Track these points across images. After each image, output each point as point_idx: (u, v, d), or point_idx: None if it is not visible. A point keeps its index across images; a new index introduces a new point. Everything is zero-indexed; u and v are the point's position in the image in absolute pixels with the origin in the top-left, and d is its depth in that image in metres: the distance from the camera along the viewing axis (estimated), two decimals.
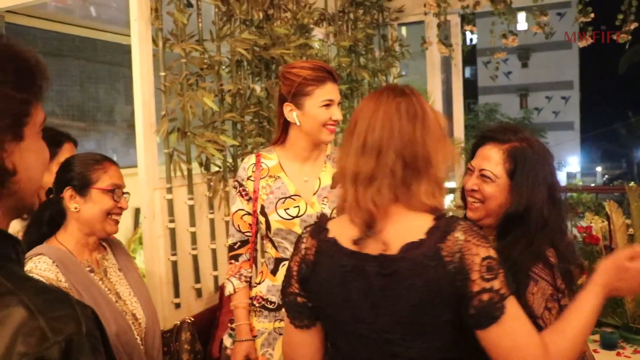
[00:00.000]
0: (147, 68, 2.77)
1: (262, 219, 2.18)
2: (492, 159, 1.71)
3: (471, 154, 1.82)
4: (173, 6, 2.87)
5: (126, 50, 2.86)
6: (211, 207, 3.11)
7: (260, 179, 2.19)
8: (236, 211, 2.23)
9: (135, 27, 2.75)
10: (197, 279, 3.02)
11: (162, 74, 2.83)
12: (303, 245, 1.46)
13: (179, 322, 2.45)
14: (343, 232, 1.39)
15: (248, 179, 2.21)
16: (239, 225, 2.24)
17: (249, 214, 2.21)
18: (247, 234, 2.24)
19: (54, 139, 2.34)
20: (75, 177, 1.87)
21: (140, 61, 2.73)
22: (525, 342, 1.28)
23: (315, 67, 2.12)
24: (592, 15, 4.41)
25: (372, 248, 1.32)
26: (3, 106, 0.84)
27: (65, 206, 1.87)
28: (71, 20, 4.26)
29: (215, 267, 3.14)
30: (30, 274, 1.56)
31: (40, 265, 1.72)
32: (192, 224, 2.98)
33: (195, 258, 3.01)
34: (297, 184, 2.20)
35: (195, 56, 2.94)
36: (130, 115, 3.01)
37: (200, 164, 3.02)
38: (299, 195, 2.17)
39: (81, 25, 4.36)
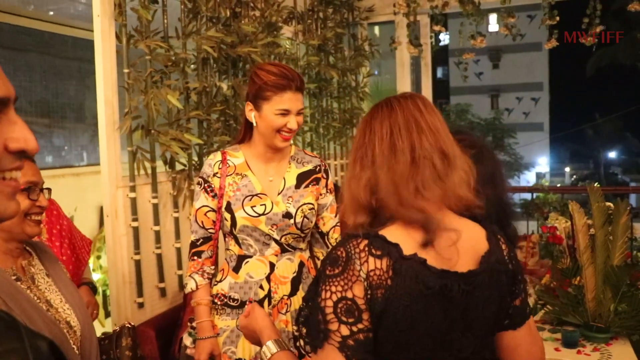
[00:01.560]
0: (110, 65, 2.73)
1: (227, 215, 2.18)
2: None
3: None
4: (137, 2, 2.83)
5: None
6: (176, 205, 3.07)
7: (227, 175, 2.19)
8: (200, 207, 2.22)
9: (98, 23, 2.71)
10: (161, 278, 2.99)
11: (126, 70, 2.79)
12: (364, 268, 1.17)
13: (117, 328, 2.30)
14: (415, 247, 1.21)
15: (214, 175, 2.20)
16: (202, 222, 2.22)
17: (213, 210, 2.21)
18: (211, 230, 2.23)
19: None
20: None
21: (102, 58, 2.69)
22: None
23: (281, 74, 2.10)
24: (558, 18, 4.48)
25: (455, 265, 1.22)
26: None
27: None
28: (38, 15, 4.19)
29: (179, 266, 3.11)
30: None
31: None
32: (156, 222, 2.95)
33: (159, 257, 2.97)
34: (263, 183, 2.20)
35: (160, 53, 2.91)
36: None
37: (165, 162, 2.99)
38: (265, 194, 2.18)
39: (48, 20, 4.29)
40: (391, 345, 1.20)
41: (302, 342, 1.24)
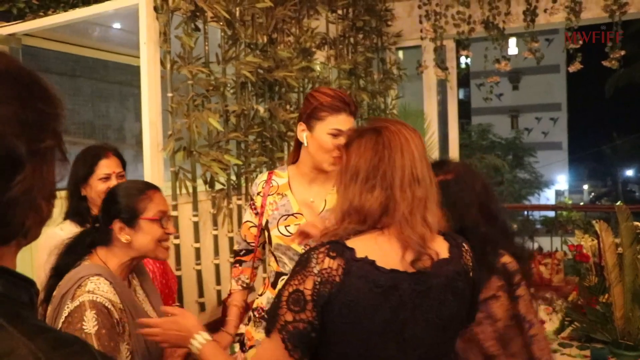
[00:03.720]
0: (155, 89, 2.75)
1: (266, 233, 2.17)
2: None
3: None
4: (181, 30, 2.85)
5: (135, 70, 2.84)
6: (215, 223, 3.06)
7: (269, 195, 2.17)
8: (245, 222, 2.24)
9: (145, 50, 2.73)
10: (201, 293, 2.97)
11: (170, 94, 2.80)
12: (318, 267, 1.26)
13: None
14: (375, 251, 1.29)
15: (258, 194, 2.19)
16: (245, 235, 2.23)
17: (255, 226, 2.20)
18: (252, 244, 2.24)
19: (89, 153, 2.27)
20: (123, 209, 1.75)
21: (148, 82, 2.71)
22: None
23: (337, 96, 2.07)
24: (581, 42, 4.41)
25: (408, 266, 1.29)
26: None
27: (115, 237, 1.76)
28: (84, 42, 4.25)
29: (218, 282, 3.09)
30: (93, 295, 1.55)
31: (102, 287, 1.61)
32: (197, 240, 2.93)
33: (199, 273, 2.96)
34: (302, 203, 2.16)
35: (201, 78, 2.92)
36: (139, 132, 2.98)
37: (205, 182, 2.99)
38: (301, 214, 2.14)
39: (93, 47, 4.35)
40: (339, 337, 1.26)
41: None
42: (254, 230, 2.20)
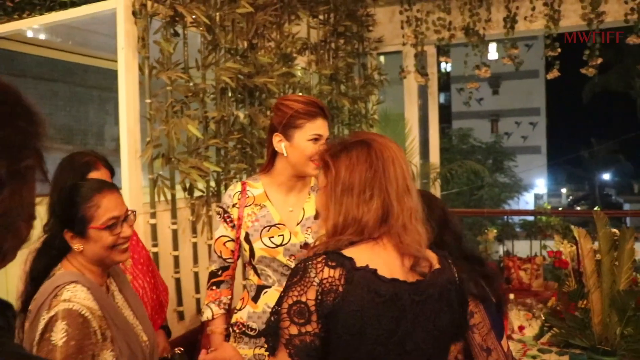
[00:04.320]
0: (133, 95, 2.71)
1: (246, 246, 2.09)
2: None
3: None
4: (160, 35, 2.81)
5: (116, 75, 2.79)
6: (194, 231, 3.03)
7: (245, 206, 2.11)
8: (219, 237, 2.14)
9: (122, 55, 2.69)
10: (180, 302, 2.93)
11: (148, 101, 2.77)
12: (319, 277, 1.24)
13: (169, 354, 2.25)
14: (374, 260, 1.29)
15: (233, 206, 2.12)
16: (221, 252, 2.14)
17: (232, 240, 2.13)
18: (229, 260, 2.15)
19: (77, 162, 2.16)
20: (70, 219, 1.67)
21: (126, 88, 2.67)
22: None
23: (309, 101, 2.06)
24: (559, 50, 4.46)
25: (406, 276, 1.31)
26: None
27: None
28: (62, 46, 4.19)
29: (197, 290, 3.05)
30: (70, 303, 1.51)
31: (79, 294, 1.55)
32: (175, 247, 2.90)
33: (178, 281, 2.92)
34: (282, 213, 2.12)
35: (180, 84, 2.88)
36: (118, 136, 2.95)
37: (184, 189, 2.95)
38: (283, 224, 2.10)
39: (71, 52, 4.29)
40: (343, 348, 1.25)
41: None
42: (231, 245, 2.13)
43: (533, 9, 4.53)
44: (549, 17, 4.49)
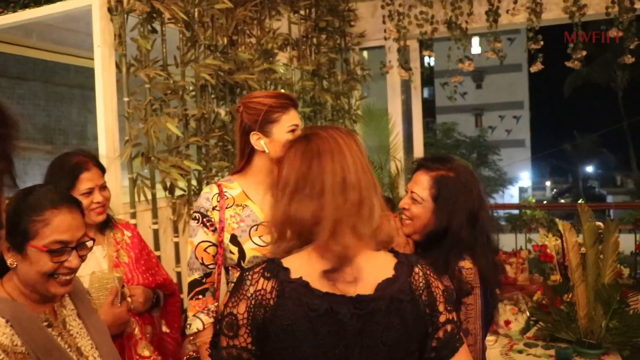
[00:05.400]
0: (111, 94, 2.66)
1: (234, 248, 2.02)
2: (421, 183, 1.86)
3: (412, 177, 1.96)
4: (137, 32, 2.76)
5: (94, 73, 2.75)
6: (176, 230, 2.99)
7: (226, 208, 2.05)
8: (199, 243, 2.04)
9: (99, 53, 2.65)
10: None
11: (126, 99, 2.72)
12: (252, 289, 1.20)
13: None
14: (310, 271, 1.22)
15: (213, 209, 2.04)
16: (202, 258, 2.04)
17: (213, 245, 2.04)
18: (211, 266, 2.06)
19: (68, 164, 2.06)
20: (10, 226, 1.40)
21: (103, 87, 2.62)
22: None
23: (279, 95, 2.07)
24: (542, 42, 4.47)
25: (346, 289, 1.21)
26: None
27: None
28: (39, 45, 4.12)
29: (180, 289, 3.01)
30: None
31: None
32: (157, 247, 2.85)
33: None
34: (266, 211, 2.08)
35: (159, 81, 2.84)
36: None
37: (165, 188, 2.90)
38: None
39: (49, 50, 4.22)
40: None
41: None
42: (212, 250, 2.05)
43: (515, 2, 4.53)
44: (531, 10, 4.49)
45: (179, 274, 3.01)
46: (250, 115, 2.02)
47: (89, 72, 2.85)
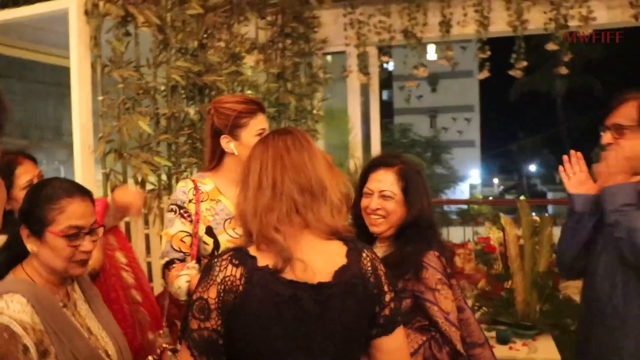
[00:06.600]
0: (86, 93, 2.66)
1: (209, 240, 2.03)
2: (388, 180, 1.85)
3: (363, 178, 1.93)
4: (112, 34, 2.76)
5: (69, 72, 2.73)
6: (146, 223, 3.00)
7: (201, 201, 2.07)
8: (176, 233, 2.03)
9: (75, 53, 2.63)
10: None
11: (100, 98, 2.72)
12: (222, 274, 1.23)
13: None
14: (274, 261, 1.25)
15: (190, 201, 2.05)
16: (179, 247, 2.03)
17: (189, 235, 2.04)
18: (186, 253, 2.04)
19: (3, 170, 1.95)
20: (30, 215, 1.47)
21: (78, 86, 2.62)
22: (406, 340, 1.40)
23: (247, 100, 2.08)
24: (489, 52, 4.61)
25: (308, 277, 1.24)
26: None
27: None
28: (16, 43, 4.03)
29: (150, 280, 3.02)
30: (2, 315, 1.32)
31: (13, 306, 1.34)
32: (128, 239, 2.85)
33: None
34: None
35: (132, 81, 2.84)
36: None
37: (136, 183, 2.90)
38: None
39: (26, 49, 4.14)
40: (249, 344, 1.23)
41: None
42: (188, 240, 2.04)
43: (465, 15, 4.65)
44: (479, 22, 4.63)
45: (149, 264, 3.02)
46: (220, 120, 2.05)
47: (65, 71, 2.83)
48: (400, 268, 1.71)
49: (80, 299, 1.59)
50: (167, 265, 2.04)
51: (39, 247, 1.47)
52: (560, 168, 2.06)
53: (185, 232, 2.04)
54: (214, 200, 2.08)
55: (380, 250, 1.84)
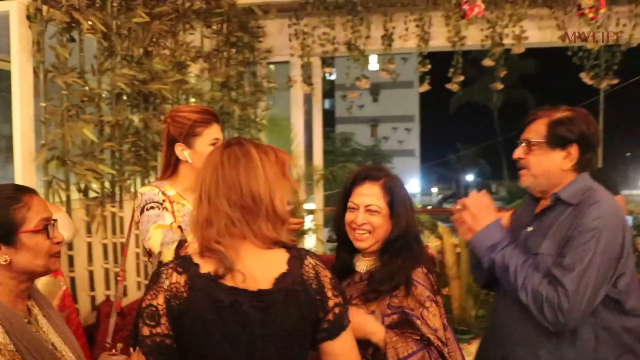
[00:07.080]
0: (27, 98, 2.63)
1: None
2: (374, 194, 1.80)
3: (347, 192, 1.87)
4: (55, 40, 2.74)
5: (9, 76, 2.67)
6: (89, 231, 2.97)
7: (172, 202, 2.12)
8: (171, 223, 2.05)
9: (17, 59, 2.60)
10: (75, 300, 2.86)
11: (43, 104, 2.69)
12: (168, 282, 1.28)
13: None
14: (214, 267, 1.29)
15: (164, 201, 2.09)
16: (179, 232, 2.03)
17: (180, 228, 2.07)
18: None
19: None
20: None
21: (20, 92, 2.58)
22: (355, 345, 1.42)
23: (203, 110, 2.14)
24: (429, 66, 4.83)
25: (248, 284, 1.28)
26: None
27: None
28: None
29: (92, 288, 3.00)
30: None
31: None
32: (70, 247, 2.83)
33: (72, 280, 2.86)
34: None
35: (76, 88, 2.82)
36: (10, 135, 2.80)
37: (79, 191, 2.89)
38: None
39: None
40: (195, 347, 1.28)
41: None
42: (179, 232, 2.04)
43: (407, 29, 4.84)
44: (420, 37, 4.83)
45: (91, 272, 3.00)
46: (176, 128, 2.11)
47: (6, 75, 2.78)
48: (389, 283, 1.70)
49: (39, 314, 1.52)
50: (179, 248, 1.95)
51: (13, 255, 1.39)
52: (453, 218, 2.03)
53: (177, 224, 2.06)
54: (179, 204, 2.13)
55: (365, 264, 1.83)
